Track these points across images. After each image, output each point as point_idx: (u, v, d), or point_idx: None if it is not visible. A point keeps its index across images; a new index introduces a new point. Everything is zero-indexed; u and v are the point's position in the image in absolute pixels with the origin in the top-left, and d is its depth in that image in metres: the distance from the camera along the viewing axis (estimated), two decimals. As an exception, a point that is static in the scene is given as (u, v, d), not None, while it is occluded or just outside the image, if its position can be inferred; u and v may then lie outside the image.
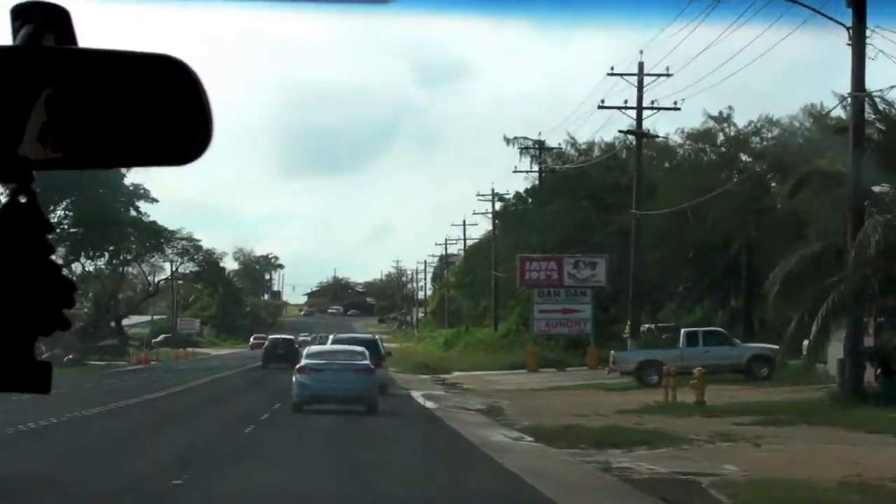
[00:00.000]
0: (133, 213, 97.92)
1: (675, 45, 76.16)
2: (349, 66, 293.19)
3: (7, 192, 2.48)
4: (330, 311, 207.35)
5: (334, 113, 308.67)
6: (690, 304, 70.89)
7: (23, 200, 2.45)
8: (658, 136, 56.03)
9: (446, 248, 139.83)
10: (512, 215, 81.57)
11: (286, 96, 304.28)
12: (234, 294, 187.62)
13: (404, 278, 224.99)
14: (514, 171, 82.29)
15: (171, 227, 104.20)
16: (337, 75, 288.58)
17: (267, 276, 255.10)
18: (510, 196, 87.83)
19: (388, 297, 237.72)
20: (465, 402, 44.43)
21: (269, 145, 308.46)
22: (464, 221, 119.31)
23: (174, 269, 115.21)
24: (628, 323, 58.35)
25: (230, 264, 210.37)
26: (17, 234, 2.44)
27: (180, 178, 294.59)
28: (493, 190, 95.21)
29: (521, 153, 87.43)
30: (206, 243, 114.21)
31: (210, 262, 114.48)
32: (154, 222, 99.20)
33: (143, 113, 2.50)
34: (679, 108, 58.54)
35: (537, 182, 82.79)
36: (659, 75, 57.86)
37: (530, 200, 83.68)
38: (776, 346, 44.44)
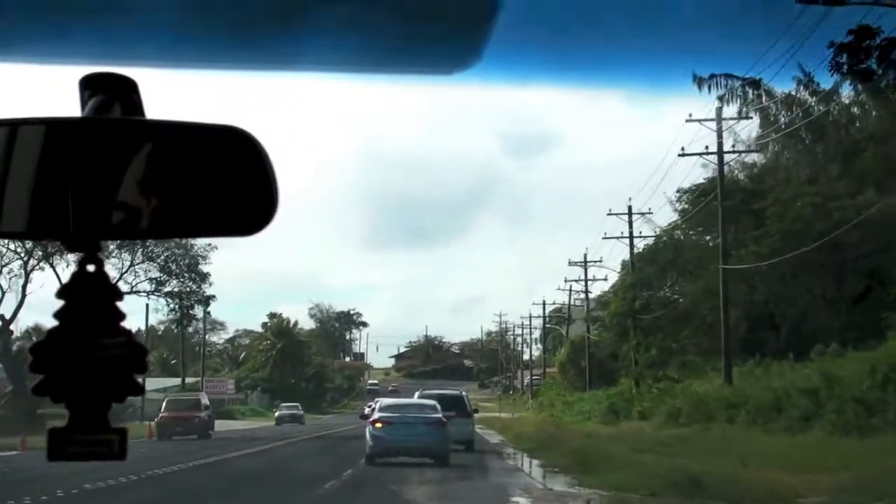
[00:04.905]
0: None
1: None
2: (432, 135, 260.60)
3: (75, 261, 2.45)
4: (390, 386, 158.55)
5: (419, 184, 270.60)
6: None
7: (90, 269, 2.44)
8: None
9: (586, 272, 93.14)
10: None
11: (367, 168, 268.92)
12: (296, 350, 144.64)
13: (510, 334, 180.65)
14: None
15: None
16: (420, 145, 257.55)
17: (347, 337, 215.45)
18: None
19: (490, 358, 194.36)
20: None
21: (352, 218, 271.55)
22: (629, 209, 71.97)
23: (132, 286, 69.21)
24: None
25: (305, 322, 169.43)
26: (86, 302, 2.41)
27: (257, 251, 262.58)
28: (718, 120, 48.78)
29: (721, 101, 48.87)
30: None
31: (192, 270, 67.73)
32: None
33: (209, 183, 2.49)
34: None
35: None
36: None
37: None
38: None
